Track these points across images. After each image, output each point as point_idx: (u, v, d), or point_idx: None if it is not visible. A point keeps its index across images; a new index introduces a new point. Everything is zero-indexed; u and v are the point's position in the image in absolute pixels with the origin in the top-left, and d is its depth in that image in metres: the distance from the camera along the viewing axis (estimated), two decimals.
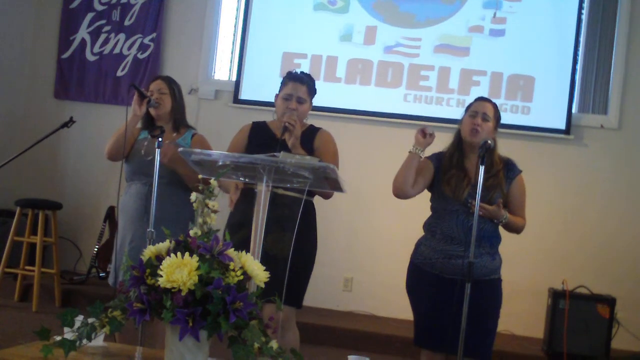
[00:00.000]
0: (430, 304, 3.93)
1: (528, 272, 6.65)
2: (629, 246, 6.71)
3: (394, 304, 6.69)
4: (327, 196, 4.07)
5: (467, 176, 3.93)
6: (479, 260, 3.87)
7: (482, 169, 3.65)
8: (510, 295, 6.28)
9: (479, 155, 3.72)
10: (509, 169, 4.02)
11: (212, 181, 2.69)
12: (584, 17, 6.92)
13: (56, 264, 6.53)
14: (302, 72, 4.23)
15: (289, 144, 3.85)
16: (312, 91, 4.18)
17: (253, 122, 4.27)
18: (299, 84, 4.10)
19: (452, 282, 3.82)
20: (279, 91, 4.15)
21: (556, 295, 6.09)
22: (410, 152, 3.93)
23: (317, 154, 4.00)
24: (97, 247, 7.08)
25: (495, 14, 6.80)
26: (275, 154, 3.18)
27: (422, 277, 3.99)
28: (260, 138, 4.11)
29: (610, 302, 6.07)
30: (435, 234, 3.98)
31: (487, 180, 3.89)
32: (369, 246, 7.07)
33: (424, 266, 3.99)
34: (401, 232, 6.79)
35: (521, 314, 6.53)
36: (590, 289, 6.17)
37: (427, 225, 4.07)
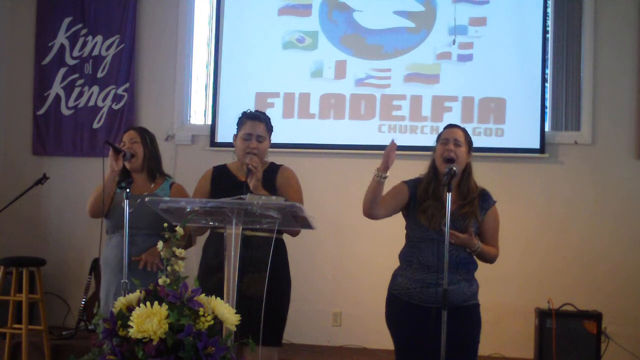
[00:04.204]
0: (410, 334, 3.92)
1: (515, 293, 6.66)
2: (612, 259, 6.72)
3: (385, 334, 6.64)
4: (294, 233, 4.06)
5: (444, 206, 3.86)
6: (456, 286, 3.88)
7: (449, 196, 3.67)
8: (499, 317, 6.39)
9: (443, 184, 3.75)
10: (484, 199, 4.04)
11: (178, 228, 2.72)
12: (549, 36, 7.01)
13: (43, 320, 6.49)
14: (257, 111, 4.26)
15: (251, 185, 3.83)
16: (270, 128, 4.20)
17: (213, 167, 4.29)
18: (257, 122, 4.12)
19: (430, 310, 3.82)
20: (237, 131, 4.17)
21: (543, 315, 6.10)
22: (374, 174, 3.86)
23: (280, 192, 4.02)
24: (84, 300, 7.06)
25: (454, 40, 6.87)
26: (242, 196, 3.21)
27: (401, 308, 3.99)
28: (222, 182, 4.12)
29: (596, 317, 6.08)
30: (412, 263, 3.99)
31: (462, 207, 3.93)
32: (355, 279, 7.05)
33: (402, 296, 3.99)
34: (385, 261, 6.77)
35: (511, 336, 6.54)
36: (577, 306, 6.18)
37: (403, 255, 4.08)
